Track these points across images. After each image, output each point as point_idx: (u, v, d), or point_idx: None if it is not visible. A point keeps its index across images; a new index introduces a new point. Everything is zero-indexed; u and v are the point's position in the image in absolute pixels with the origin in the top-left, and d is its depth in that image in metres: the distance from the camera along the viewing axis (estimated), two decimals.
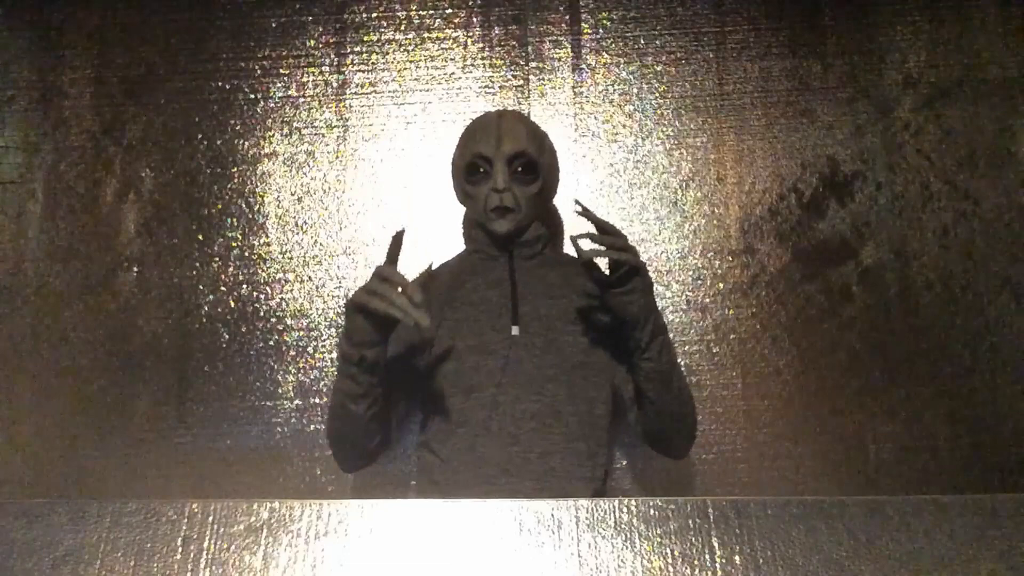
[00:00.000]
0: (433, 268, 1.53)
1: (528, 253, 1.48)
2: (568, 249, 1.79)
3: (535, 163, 1.44)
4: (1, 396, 1.77)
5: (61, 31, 1.92)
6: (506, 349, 1.37)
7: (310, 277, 1.80)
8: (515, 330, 1.39)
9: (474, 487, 1.30)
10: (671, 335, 1.76)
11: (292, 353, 1.76)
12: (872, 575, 0.65)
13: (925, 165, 1.83)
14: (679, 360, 1.75)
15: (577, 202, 1.26)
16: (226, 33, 1.91)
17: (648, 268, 1.79)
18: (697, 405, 1.73)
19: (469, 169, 1.44)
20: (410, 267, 1.79)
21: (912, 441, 1.71)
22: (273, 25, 1.91)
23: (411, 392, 1.44)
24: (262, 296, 1.79)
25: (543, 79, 1.87)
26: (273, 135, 1.87)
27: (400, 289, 1.15)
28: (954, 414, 1.72)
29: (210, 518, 0.68)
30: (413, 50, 1.89)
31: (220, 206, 1.84)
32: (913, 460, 1.70)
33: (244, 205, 1.84)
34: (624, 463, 1.72)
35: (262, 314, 1.78)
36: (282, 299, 1.79)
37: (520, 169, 1.42)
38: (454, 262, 1.53)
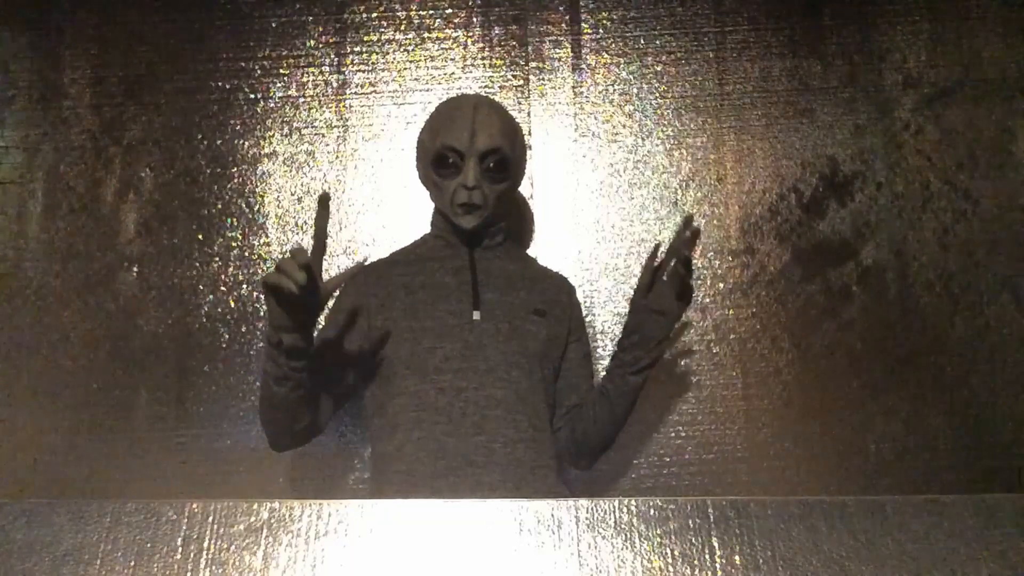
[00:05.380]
0: (390, 254, 1.52)
1: (488, 244, 1.48)
2: (550, 248, 1.79)
3: (507, 160, 1.41)
4: (1, 396, 1.77)
5: (61, 31, 1.92)
6: (466, 334, 1.35)
7: None
8: (476, 315, 1.37)
9: (438, 479, 1.26)
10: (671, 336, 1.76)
11: None
12: (872, 575, 0.65)
13: (925, 165, 1.83)
14: (680, 361, 1.76)
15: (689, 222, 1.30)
16: (226, 33, 1.91)
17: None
18: (697, 405, 1.73)
19: (438, 160, 1.40)
20: None
21: (912, 441, 1.71)
22: (273, 25, 1.91)
23: (356, 375, 1.39)
24: (262, 296, 1.79)
25: (543, 79, 1.87)
26: (273, 135, 1.87)
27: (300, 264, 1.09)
28: (954, 414, 1.72)
29: (210, 518, 0.68)
30: (413, 50, 1.89)
31: (220, 206, 1.84)
32: (913, 460, 1.70)
33: (244, 205, 1.84)
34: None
35: (262, 314, 1.78)
36: None
37: (492, 166, 1.39)
38: (412, 245, 1.52)
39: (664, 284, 1.34)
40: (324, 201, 1.12)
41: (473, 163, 1.38)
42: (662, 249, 1.78)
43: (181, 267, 1.81)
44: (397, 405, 1.33)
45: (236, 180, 1.85)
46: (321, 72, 1.89)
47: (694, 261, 1.79)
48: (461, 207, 1.39)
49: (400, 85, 1.88)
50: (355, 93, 1.88)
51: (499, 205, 1.45)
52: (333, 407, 1.38)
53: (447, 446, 1.28)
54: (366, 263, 1.20)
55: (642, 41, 1.89)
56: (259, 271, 1.80)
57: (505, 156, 1.40)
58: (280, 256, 1.81)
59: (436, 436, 1.28)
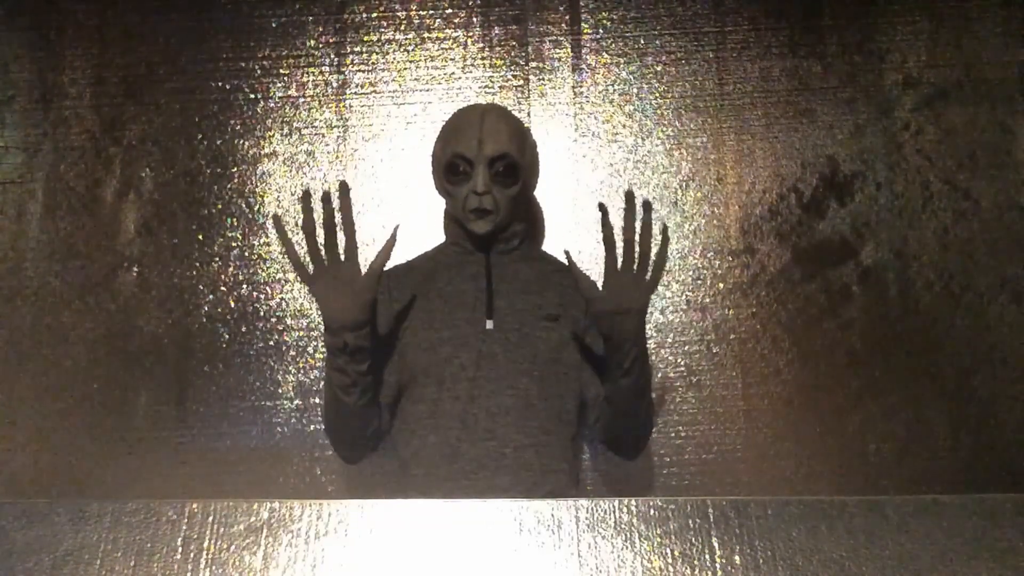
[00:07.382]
0: (410, 260, 1.55)
1: (504, 248, 1.49)
2: (550, 249, 1.79)
3: (516, 165, 1.43)
4: (1, 396, 1.77)
5: (61, 31, 1.92)
6: (480, 342, 1.38)
7: None
8: (489, 324, 1.40)
9: (451, 482, 1.31)
10: (671, 335, 1.76)
11: (292, 353, 1.76)
12: (872, 575, 0.65)
13: (925, 165, 1.83)
14: (680, 361, 1.76)
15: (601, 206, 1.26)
16: (226, 33, 1.91)
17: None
18: (697, 405, 1.73)
19: (449, 168, 1.43)
20: None
21: (912, 441, 1.71)
22: (273, 25, 1.91)
23: (400, 377, 1.45)
24: (262, 296, 1.79)
25: (543, 79, 1.87)
26: (273, 135, 1.87)
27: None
28: (954, 414, 1.72)
29: (210, 518, 0.68)
30: (413, 50, 1.89)
31: (220, 206, 1.84)
32: (913, 460, 1.70)
33: (244, 205, 1.84)
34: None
35: (262, 314, 1.78)
36: (282, 299, 1.79)
37: (501, 170, 1.41)
38: (431, 253, 1.54)
39: (618, 277, 1.25)
40: (345, 190, 1.21)
41: (482, 169, 1.40)
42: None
43: (181, 267, 1.81)
44: (416, 411, 1.37)
45: (236, 180, 1.85)
46: (321, 72, 1.89)
47: (695, 261, 1.79)
48: (473, 212, 1.41)
49: (400, 85, 1.88)
50: (355, 93, 1.88)
51: (512, 210, 1.47)
52: (390, 413, 1.43)
53: (460, 451, 1.32)
54: (398, 228, 1.27)
55: (642, 41, 1.89)
56: (259, 271, 1.80)
57: (514, 160, 1.42)
58: (280, 255, 1.81)
59: (450, 441, 1.33)
